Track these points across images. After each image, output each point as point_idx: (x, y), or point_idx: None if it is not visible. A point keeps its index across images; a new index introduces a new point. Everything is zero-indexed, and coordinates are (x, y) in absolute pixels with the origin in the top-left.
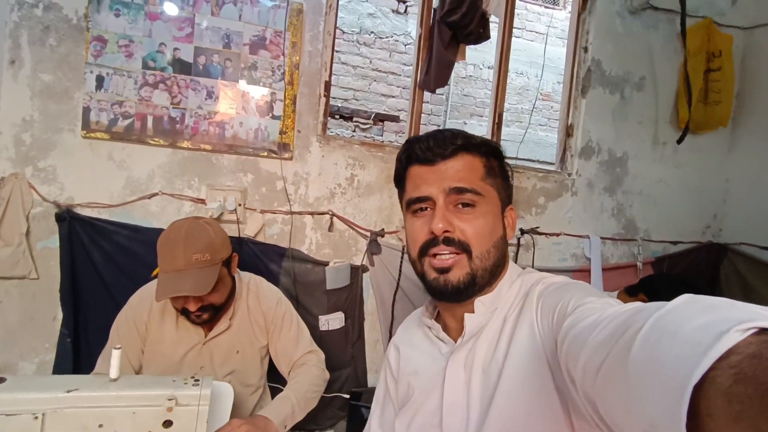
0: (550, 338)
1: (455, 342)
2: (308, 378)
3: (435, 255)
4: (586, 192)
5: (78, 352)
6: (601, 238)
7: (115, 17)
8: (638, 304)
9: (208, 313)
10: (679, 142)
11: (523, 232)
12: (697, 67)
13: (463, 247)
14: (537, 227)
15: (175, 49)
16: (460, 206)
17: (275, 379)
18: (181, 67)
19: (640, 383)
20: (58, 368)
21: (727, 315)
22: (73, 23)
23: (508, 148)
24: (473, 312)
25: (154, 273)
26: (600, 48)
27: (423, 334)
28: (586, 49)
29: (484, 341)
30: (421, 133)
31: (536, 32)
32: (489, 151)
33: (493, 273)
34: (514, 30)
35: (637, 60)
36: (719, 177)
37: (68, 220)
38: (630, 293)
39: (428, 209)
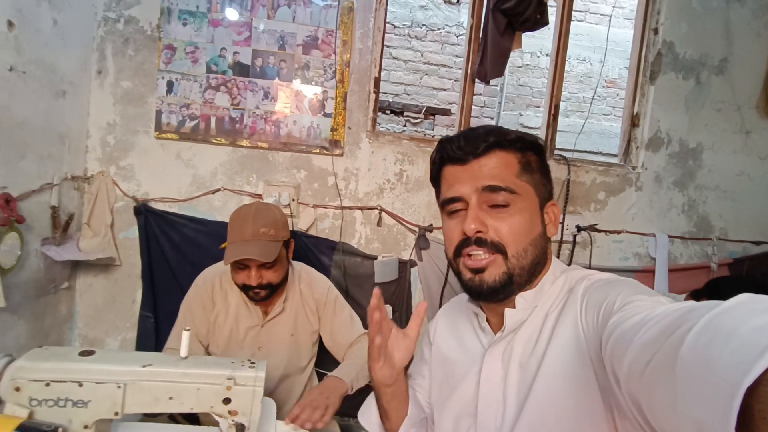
0: (595, 335)
1: (495, 335)
2: (365, 351)
3: (469, 255)
4: (652, 186)
5: (158, 332)
6: (669, 236)
7: (183, 26)
8: (691, 302)
9: (265, 290)
10: None
11: (579, 229)
12: None
13: (497, 248)
14: (595, 224)
15: (235, 52)
16: (494, 206)
17: (323, 365)
18: (240, 69)
19: (688, 383)
20: (140, 345)
21: None
22: (148, 34)
23: (567, 140)
24: (514, 308)
25: (223, 246)
26: (672, 29)
27: (466, 319)
28: (656, 31)
29: (523, 336)
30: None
31: (601, 14)
32: (525, 146)
33: (532, 271)
34: (576, 13)
35: (717, 40)
36: None
37: (144, 213)
38: (695, 297)
39: (462, 210)
